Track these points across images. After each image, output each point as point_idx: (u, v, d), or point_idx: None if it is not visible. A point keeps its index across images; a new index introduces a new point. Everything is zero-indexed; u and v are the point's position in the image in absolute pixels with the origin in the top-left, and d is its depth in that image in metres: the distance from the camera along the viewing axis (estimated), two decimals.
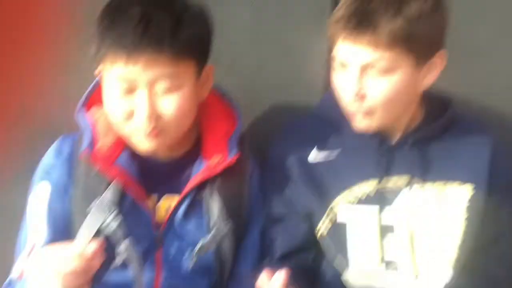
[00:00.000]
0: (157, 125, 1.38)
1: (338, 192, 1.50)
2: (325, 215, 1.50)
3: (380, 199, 1.48)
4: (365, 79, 1.39)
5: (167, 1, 1.39)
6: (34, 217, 1.45)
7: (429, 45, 1.41)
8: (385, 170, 1.50)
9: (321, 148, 1.54)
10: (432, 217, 1.50)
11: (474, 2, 1.76)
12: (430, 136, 1.53)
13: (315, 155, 1.55)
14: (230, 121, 1.54)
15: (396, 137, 1.54)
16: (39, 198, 1.45)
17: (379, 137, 1.52)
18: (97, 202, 1.39)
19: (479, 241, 1.52)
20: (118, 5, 1.42)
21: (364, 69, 1.38)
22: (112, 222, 1.38)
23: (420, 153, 1.52)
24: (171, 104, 1.37)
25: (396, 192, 1.50)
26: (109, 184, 1.41)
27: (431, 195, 1.50)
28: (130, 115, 1.38)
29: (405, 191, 1.50)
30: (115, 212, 1.39)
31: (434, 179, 1.51)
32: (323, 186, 1.52)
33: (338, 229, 1.50)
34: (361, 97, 1.41)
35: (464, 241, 1.49)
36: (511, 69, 1.79)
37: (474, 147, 1.55)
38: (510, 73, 1.79)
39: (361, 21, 1.33)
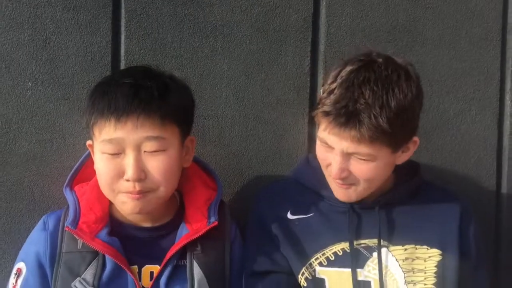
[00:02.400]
0: (144, 185, 1.46)
1: (313, 252, 1.58)
2: (304, 268, 1.58)
3: (353, 261, 1.56)
4: (348, 161, 1.51)
5: (155, 73, 1.55)
6: None
7: (406, 136, 1.53)
8: (355, 233, 1.58)
9: (295, 212, 1.63)
10: (402, 281, 1.57)
11: (442, 77, 1.94)
12: (399, 200, 1.62)
13: (291, 216, 1.64)
14: (210, 189, 1.62)
15: (366, 201, 1.63)
16: (14, 279, 1.52)
17: (353, 202, 1.63)
18: (80, 279, 1.46)
19: None
20: (109, 79, 1.58)
21: (347, 154, 1.51)
22: None
23: (389, 217, 1.61)
24: (157, 164, 1.46)
25: (366, 255, 1.58)
26: (91, 260, 1.48)
27: (400, 258, 1.58)
28: (119, 176, 1.46)
29: (375, 255, 1.57)
30: None
31: (403, 242, 1.59)
32: (300, 243, 1.60)
33: (317, 283, 1.57)
34: (344, 175, 1.53)
35: None
36: (476, 138, 1.96)
37: (442, 212, 1.63)
38: (475, 141, 1.95)
39: (348, 120, 1.44)
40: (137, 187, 1.46)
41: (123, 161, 1.46)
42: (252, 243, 1.64)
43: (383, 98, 1.44)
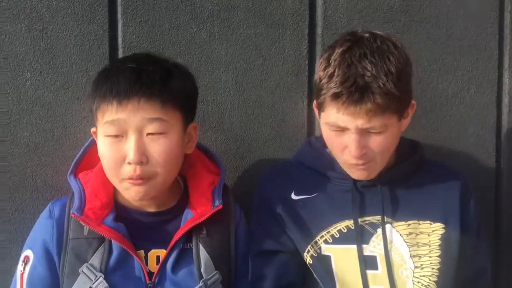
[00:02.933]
0: (145, 168, 1.47)
1: (318, 231, 1.61)
2: (310, 246, 1.61)
3: (357, 238, 1.59)
4: (364, 137, 1.53)
5: (159, 59, 1.56)
6: (17, 285, 1.54)
7: (408, 99, 1.57)
8: (359, 211, 1.61)
9: (299, 192, 1.66)
10: (408, 255, 1.60)
11: (440, 56, 1.94)
12: (400, 177, 1.65)
13: (295, 196, 1.67)
14: (213, 174, 1.63)
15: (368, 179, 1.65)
16: (22, 266, 1.54)
17: (352, 180, 1.65)
18: (87, 264, 1.48)
19: (459, 278, 1.62)
20: (113, 65, 1.60)
21: (363, 130, 1.53)
22: (100, 285, 1.46)
23: (391, 193, 1.64)
24: (158, 148, 1.47)
25: (370, 231, 1.61)
26: (98, 246, 1.49)
27: (404, 233, 1.62)
28: (122, 160, 1.48)
29: (379, 231, 1.61)
30: (102, 277, 1.46)
31: (406, 218, 1.63)
32: (304, 223, 1.62)
33: (323, 260, 1.60)
34: (364, 152, 1.54)
35: (440, 278, 1.59)
36: (475, 116, 1.97)
37: (444, 187, 1.67)
38: (473, 120, 1.96)
39: (362, 95, 1.47)
40: (138, 170, 1.47)
41: (125, 145, 1.47)
42: (257, 224, 1.66)
43: (384, 67, 1.49)
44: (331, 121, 1.54)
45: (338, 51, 1.52)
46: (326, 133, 1.59)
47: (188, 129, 1.57)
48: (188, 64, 1.75)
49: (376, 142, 1.54)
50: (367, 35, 1.55)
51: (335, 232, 1.61)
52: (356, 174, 1.62)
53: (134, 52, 1.75)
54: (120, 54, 1.79)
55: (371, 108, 1.48)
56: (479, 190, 1.83)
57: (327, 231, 1.61)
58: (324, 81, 1.53)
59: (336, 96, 1.50)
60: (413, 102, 1.61)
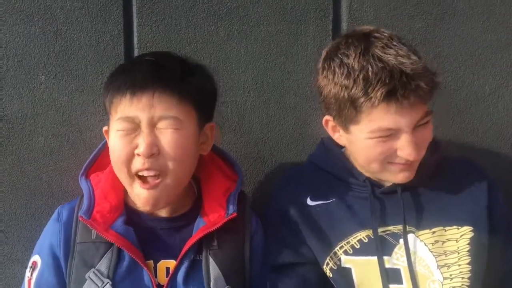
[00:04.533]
0: (155, 162, 1.39)
1: (336, 240, 1.51)
2: (329, 258, 1.51)
3: (378, 248, 1.49)
4: (415, 136, 1.43)
5: (179, 57, 1.50)
6: None
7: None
8: (378, 219, 1.50)
9: (315, 197, 1.56)
10: (435, 265, 1.49)
11: (476, 51, 1.81)
12: (421, 181, 1.53)
13: (311, 201, 1.57)
14: (229, 180, 1.54)
15: (387, 184, 1.55)
16: (29, 273, 1.49)
17: (370, 186, 1.54)
18: (94, 270, 1.41)
19: (489, 280, 1.51)
20: (131, 59, 1.55)
21: (414, 128, 1.42)
22: None
23: (412, 200, 1.53)
24: (170, 139, 1.40)
25: (393, 242, 1.50)
26: (106, 251, 1.43)
27: (429, 242, 1.50)
28: (132, 153, 1.41)
29: (401, 241, 1.50)
30: (109, 283, 1.39)
31: (430, 226, 1.51)
32: (323, 231, 1.53)
33: (343, 273, 1.50)
34: (418, 154, 1.44)
35: (472, 283, 1.48)
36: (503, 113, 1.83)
37: (469, 187, 1.55)
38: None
39: (417, 84, 1.37)
40: (147, 164, 1.39)
41: (137, 138, 1.41)
42: (273, 235, 1.57)
43: (409, 50, 1.42)
44: (384, 126, 1.41)
45: (354, 53, 1.41)
46: (368, 144, 1.45)
47: (205, 129, 1.50)
48: (206, 64, 1.68)
49: (425, 136, 1.46)
50: (371, 28, 1.47)
51: (355, 242, 1.50)
52: (401, 176, 1.49)
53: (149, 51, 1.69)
54: (136, 54, 1.73)
55: (426, 94, 1.39)
56: None
57: (346, 241, 1.51)
58: (358, 87, 1.40)
59: (390, 94, 1.38)
60: None
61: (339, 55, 1.44)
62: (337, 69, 1.43)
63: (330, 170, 1.59)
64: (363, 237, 1.51)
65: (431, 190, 1.54)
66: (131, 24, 1.74)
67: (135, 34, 1.73)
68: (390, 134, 1.43)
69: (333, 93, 1.45)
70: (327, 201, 1.55)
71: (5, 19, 1.69)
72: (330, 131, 1.56)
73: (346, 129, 1.49)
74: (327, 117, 1.54)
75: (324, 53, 1.51)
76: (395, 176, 1.51)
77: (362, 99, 1.40)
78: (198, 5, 1.74)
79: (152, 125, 1.40)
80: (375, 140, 1.44)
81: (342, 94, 1.43)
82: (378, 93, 1.38)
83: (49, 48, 1.71)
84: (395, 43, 1.43)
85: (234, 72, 1.76)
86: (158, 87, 1.40)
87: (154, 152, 1.40)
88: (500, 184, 1.60)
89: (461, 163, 1.61)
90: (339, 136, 1.55)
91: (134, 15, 1.73)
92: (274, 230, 1.57)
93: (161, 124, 1.40)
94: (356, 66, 1.41)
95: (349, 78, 1.41)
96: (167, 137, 1.40)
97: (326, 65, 1.48)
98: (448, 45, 1.76)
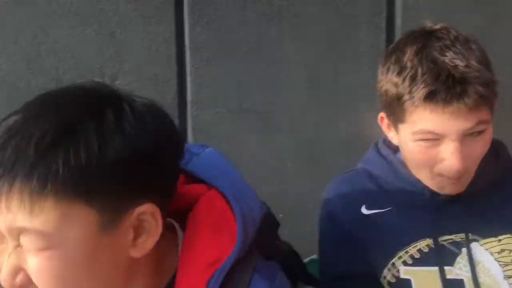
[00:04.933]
0: None
1: (395, 251, 1.47)
2: (387, 269, 1.48)
3: (438, 258, 1.45)
4: (464, 144, 1.34)
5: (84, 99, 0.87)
6: None
7: (496, 92, 1.38)
8: (438, 229, 1.44)
9: (370, 206, 1.53)
10: (501, 276, 1.42)
11: None
12: (485, 186, 1.45)
13: (366, 210, 1.53)
14: (223, 245, 0.93)
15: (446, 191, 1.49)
16: None
17: (428, 193, 1.49)
18: None
19: None
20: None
21: (464, 135, 1.35)
22: None
23: (475, 206, 1.45)
24: (36, 271, 0.82)
25: (454, 252, 1.46)
26: None
27: (495, 251, 1.44)
28: None
29: (464, 250, 1.46)
30: None
31: (495, 233, 1.44)
32: (379, 241, 1.47)
33: (402, 285, 1.45)
34: (465, 166, 1.36)
35: None
36: None
37: None
38: None
39: (463, 89, 1.29)
40: None
41: None
42: (326, 246, 1.52)
43: (472, 55, 1.34)
44: (426, 129, 1.35)
45: (410, 51, 1.36)
46: (411, 147, 1.40)
47: (132, 218, 0.85)
48: (257, 63, 1.67)
49: (477, 147, 1.36)
50: (438, 27, 1.39)
51: (414, 252, 1.46)
52: (448, 189, 1.43)
53: (201, 53, 1.69)
54: (188, 56, 1.75)
55: (473, 102, 1.30)
56: None
57: (405, 251, 1.46)
58: (405, 85, 1.36)
59: (431, 96, 1.31)
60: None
61: (397, 52, 1.40)
62: (391, 66, 1.39)
63: (385, 176, 1.54)
64: (422, 247, 1.46)
65: (496, 197, 1.46)
66: (182, 25, 1.75)
67: (187, 34, 1.74)
68: (434, 139, 1.38)
69: (384, 89, 1.43)
70: (383, 210, 1.51)
71: (61, 23, 1.73)
72: (385, 129, 1.52)
73: (396, 128, 1.45)
74: (382, 113, 1.50)
75: (388, 49, 1.48)
76: (442, 187, 1.45)
77: (406, 97, 1.36)
78: (249, 5, 1.73)
79: (15, 245, 0.82)
80: (418, 143, 1.39)
81: (391, 91, 1.40)
82: (420, 93, 1.33)
83: (104, 51, 1.74)
84: (458, 46, 1.35)
85: (285, 71, 1.74)
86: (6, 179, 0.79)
87: (22, 285, 0.83)
88: None
89: None
90: (392, 136, 1.51)
91: (186, 16, 1.74)
92: (327, 238, 1.53)
93: (23, 241, 0.82)
94: (408, 64, 1.37)
95: (399, 76, 1.38)
96: (31, 263, 0.82)
97: (384, 61, 1.45)
98: (508, 43, 1.69)
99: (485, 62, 1.35)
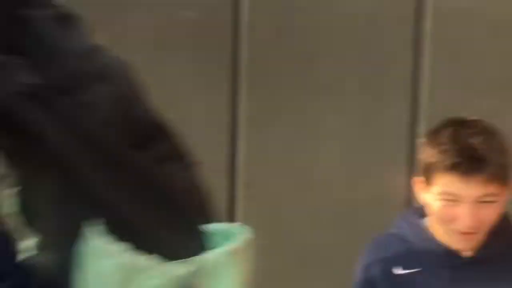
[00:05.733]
0: None
1: None
2: None
3: None
4: (476, 208, 1.63)
5: None
6: None
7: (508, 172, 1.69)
8: (459, 286, 1.67)
9: (401, 267, 1.74)
10: None
11: None
12: (502, 250, 1.70)
13: (397, 271, 1.76)
14: None
15: (466, 254, 1.70)
16: None
17: (448, 255, 1.74)
18: None
19: None
20: None
21: (476, 201, 1.64)
22: None
23: (494, 269, 1.69)
24: None
25: None
26: None
27: None
28: None
29: None
30: None
31: None
32: None
33: None
34: (475, 226, 1.64)
35: None
36: None
37: None
38: None
39: (479, 166, 1.60)
40: None
41: None
42: None
43: (493, 143, 1.66)
44: (448, 190, 1.67)
45: (446, 133, 1.68)
46: (436, 205, 1.71)
47: None
48: (298, 133, 1.99)
49: (486, 213, 1.65)
50: (470, 118, 1.72)
51: None
52: (461, 244, 1.69)
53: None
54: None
55: (486, 177, 1.61)
56: None
57: None
58: (437, 156, 1.68)
59: (454, 166, 1.63)
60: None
61: (435, 133, 1.72)
62: (429, 142, 1.71)
63: (412, 240, 1.79)
64: None
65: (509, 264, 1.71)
66: (238, 96, 2.04)
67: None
68: (454, 200, 1.65)
69: (423, 158, 1.75)
70: (413, 270, 1.73)
71: None
72: (418, 190, 1.80)
73: (427, 189, 1.75)
74: (416, 178, 1.80)
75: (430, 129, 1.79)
76: (457, 242, 1.71)
77: (437, 166, 1.67)
78: (293, 79, 2.01)
79: None
80: (442, 201, 1.68)
81: (428, 160, 1.71)
82: (446, 163, 1.65)
83: None
84: (484, 135, 1.66)
85: (322, 140, 2.02)
86: None
87: None
88: None
89: None
90: (423, 197, 1.80)
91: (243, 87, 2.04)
92: None
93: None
94: (442, 141, 1.68)
95: (433, 149, 1.69)
96: None
97: (426, 137, 1.76)
98: None
99: (502, 148, 1.66)
